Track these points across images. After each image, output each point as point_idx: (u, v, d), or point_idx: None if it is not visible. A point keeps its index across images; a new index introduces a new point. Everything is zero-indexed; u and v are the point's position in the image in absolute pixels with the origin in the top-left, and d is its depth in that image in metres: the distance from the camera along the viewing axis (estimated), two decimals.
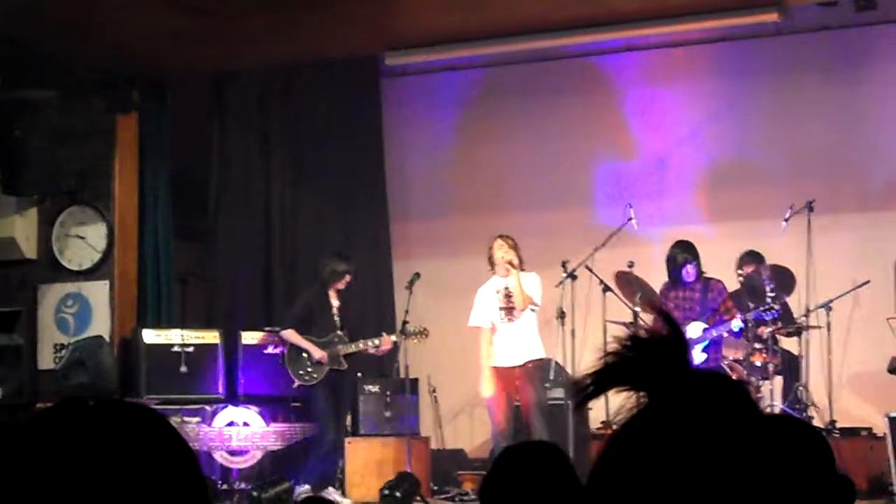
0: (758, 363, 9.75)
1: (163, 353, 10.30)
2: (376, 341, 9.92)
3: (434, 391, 11.28)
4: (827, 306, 10.04)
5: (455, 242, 11.32)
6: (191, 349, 10.36)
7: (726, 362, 9.69)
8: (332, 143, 11.93)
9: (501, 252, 9.29)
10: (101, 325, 10.52)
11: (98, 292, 10.61)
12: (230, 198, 11.72)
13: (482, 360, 9.33)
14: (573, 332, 10.06)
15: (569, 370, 10.05)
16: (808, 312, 10.05)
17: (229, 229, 11.70)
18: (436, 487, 10.35)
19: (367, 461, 10.15)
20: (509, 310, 9.30)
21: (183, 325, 10.77)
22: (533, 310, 9.34)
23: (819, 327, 10.12)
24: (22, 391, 9.81)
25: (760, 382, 9.66)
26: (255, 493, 9.16)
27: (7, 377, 9.84)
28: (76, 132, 10.55)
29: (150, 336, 10.36)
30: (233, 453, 10.09)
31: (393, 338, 9.98)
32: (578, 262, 10.03)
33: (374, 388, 10.54)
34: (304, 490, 9.41)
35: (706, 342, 9.39)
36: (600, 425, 10.00)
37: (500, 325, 9.33)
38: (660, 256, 9.83)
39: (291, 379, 9.90)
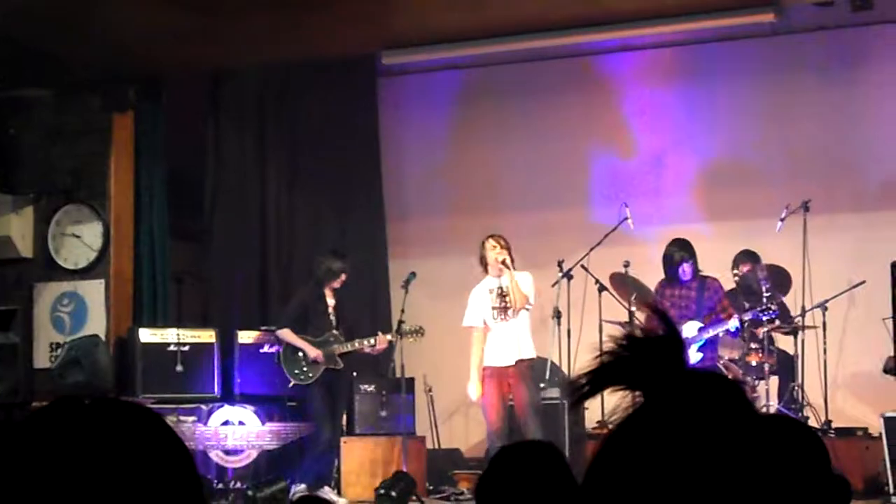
0: (753, 363, 9.76)
1: (158, 352, 10.29)
2: (372, 341, 9.92)
3: (430, 390, 11.27)
4: (823, 306, 10.05)
5: (451, 242, 11.32)
6: (186, 348, 10.36)
7: (722, 362, 9.70)
8: (328, 142, 11.92)
9: (494, 253, 9.26)
10: (96, 324, 10.51)
11: (94, 291, 10.60)
12: (226, 197, 11.71)
13: (472, 361, 9.31)
14: (569, 331, 10.07)
15: (564, 370, 10.06)
16: (803, 312, 10.06)
17: (225, 228, 11.69)
18: (431, 487, 10.35)
19: (362, 460, 10.15)
20: (503, 309, 9.28)
21: (179, 324, 10.76)
22: (527, 308, 9.33)
23: (815, 327, 10.12)
24: (18, 390, 9.80)
25: (756, 382, 9.67)
26: (250, 493, 9.16)
27: (3, 376, 9.83)
28: (72, 131, 10.54)
29: (146, 335, 10.35)
30: (228, 452, 10.08)
31: (389, 337, 9.97)
32: (574, 261, 10.04)
33: (370, 388, 10.53)
34: (299, 489, 9.40)
35: (702, 341, 9.38)
36: (596, 425, 10.01)
37: (493, 324, 9.31)
38: (655, 256, 9.83)
39: (287, 378, 9.90)
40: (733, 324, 9.34)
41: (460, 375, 9.33)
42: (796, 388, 9.90)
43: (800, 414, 9.64)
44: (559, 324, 9.99)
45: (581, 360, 9.66)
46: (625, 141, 11.73)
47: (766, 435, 1.34)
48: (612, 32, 10.58)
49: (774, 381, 10.03)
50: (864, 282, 10.24)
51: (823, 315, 10.05)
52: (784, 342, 10.32)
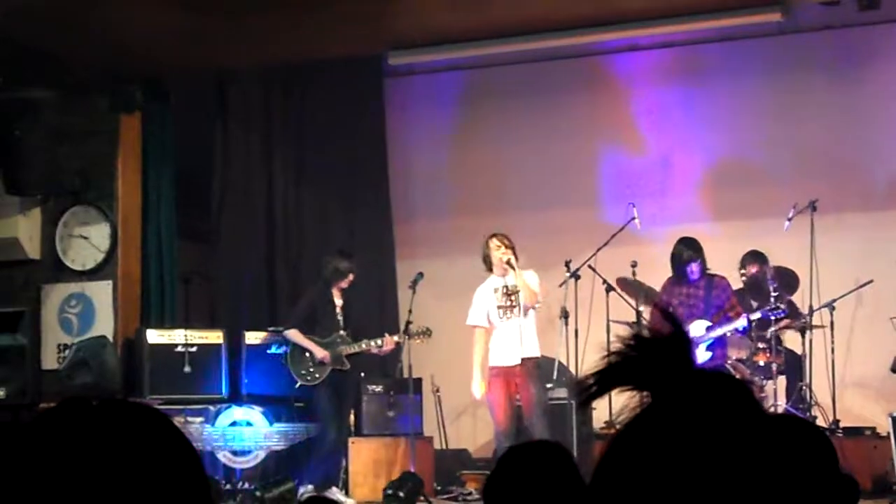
0: (761, 363, 9.75)
1: (166, 353, 10.30)
2: (379, 342, 9.92)
3: (437, 391, 11.27)
4: (830, 306, 10.03)
5: (458, 242, 11.31)
6: (194, 349, 10.36)
7: (729, 362, 9.69)
8: (335, 143, 11.93)
9: (499, 253, 9.24)
10: (104, 325, 10.53)
11: (101, 292, 10.61)
12: (233, 197, 11.73)
13: (475, 360, 9.29)
14: (576, 331, 10.06)
15: (572, 370, 10.04)
16: (811, 312, 10.05)
17: (233, 229, 11.70)
18: (439, 487, 10.35)
19: (370, 461, 10.16)
20: (509, 308, 9.27)
21: (186, 325, 10.76)
22: (535, 308, 9.32)
23: (822, 327, 10.11)
24: (25, 391, 9.81)
25: (764, 382, 9.66)
26: (258, 493, 9.16)
27: (10, 377, 9.84)
28: (79, 132, 10.55)
29: (154, 336, 10.36)
30: (236, 453, 10.09)
31: (396, 338, 9.98)
32: (581, 261, 10.03)
33: (378, 388, 10.54)
34: (307, 490, 9.41)
35: (711, 340, 9.37)
36: (603, 425, 10.00)
37: (499, 323, 9.29)
38: (663, 256, 9.82)
39: (294, 379, 9.90)
40: (742, 322, 9.33)
41: (468, 376, 9.32)
42: (804, 387, 9.89)
43: (808, 414, 9.63)
44: (566, 324, 9.98)
45: (588, 361, 9.66)
46: (631, 141, 11.72)
47: (774, 435, 1.34)
48: (618, 32, 10.58)
49: (782, 380, 10.02)
50: (871, 281, 10.23)
51: (831, 314, 10.03)
52: (792, 342, 10.31)
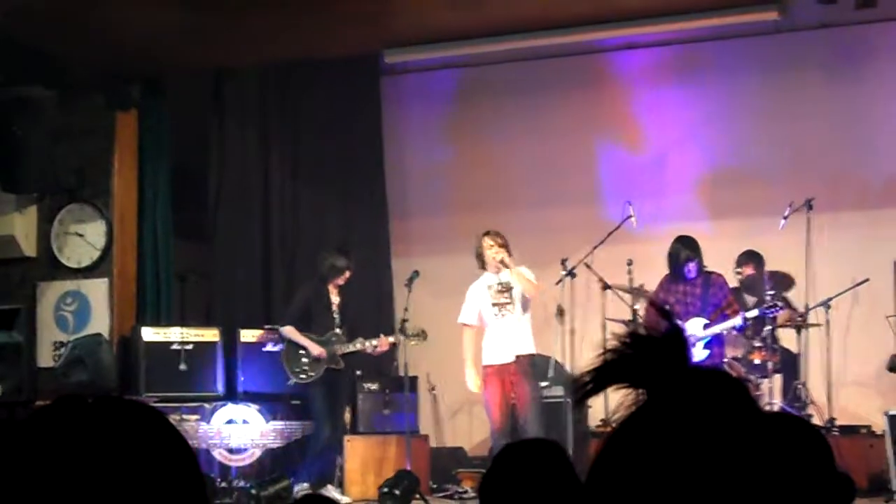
0: (757, 361, 9.75)
1: (162, 350, 10.29)
2: (374, 342, 9.92)
3: (433, 389, 11.28)
4: (826, 304, 10.03)
5: (454, 240, 11.30)
6: (190, 347, 10.36)
7: (725, 360, 9.69)
8: (331, 141, 11.93)
9: (492, 252, 9.22)
10: (100, 322, 10.52)
11: (97, 290, 10.61)
12: (230, 195, 11.72)
13: (466, 356, 9.29)
14: (572, 329, 10.07)
15: (568, 368, 10.05)
16: (807, 310, 10.06)
17: (229, 226, 11.70)
18: (435, 485, 10.35)
19: (366, 459, 10.16)
20: (503, 305, 9.26)
21: (182, 322, 10.76)
22: (535, 297, 9.31)
23: (818, 325, 10.12)
24: (21, 389, 9.81)
25: (760, 380, 9.66)
26: (254, 491, 9.16)
27: (6, 375, 9.84)
28: (75, 129, 10.54)
29: (150, 334, 10.36)
30: (232, 451, 10.09)
31: (391, 339, 9.97)
32: (578, 260, 10.03)
33: (373, 386, 10.55)
34: (303, 488, 9.41)
35: (708, 339, 9.37)
36: (599, 423, 10.01)
37: (492, 321, 9.28)
38: (659, 254, 9.82)
39: (288, 376, 9.90)
40: (739, 320, 9.33)
41: (463, 374, 9.33)
42: (800, 386, 9.90)
43: (803, 412, 9.63)
44: (562, 322, 9.99)
45: (584, 359, 9.68)
46: (628, 139, 11.72)
47: (770, 433, 1.34)
48: (614, 31, 10.58)
49: (778, 379, 10.03)
50: (867, 279, 10.24)
51: (827, 313, 10.04)
52: (787, 340, 10.31)
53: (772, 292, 9.52)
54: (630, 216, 10.30)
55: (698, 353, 9.23)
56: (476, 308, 9.36)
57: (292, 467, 9.86)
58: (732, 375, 1.42)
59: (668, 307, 8.89)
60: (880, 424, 9.21)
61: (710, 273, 9.55)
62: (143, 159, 11.00)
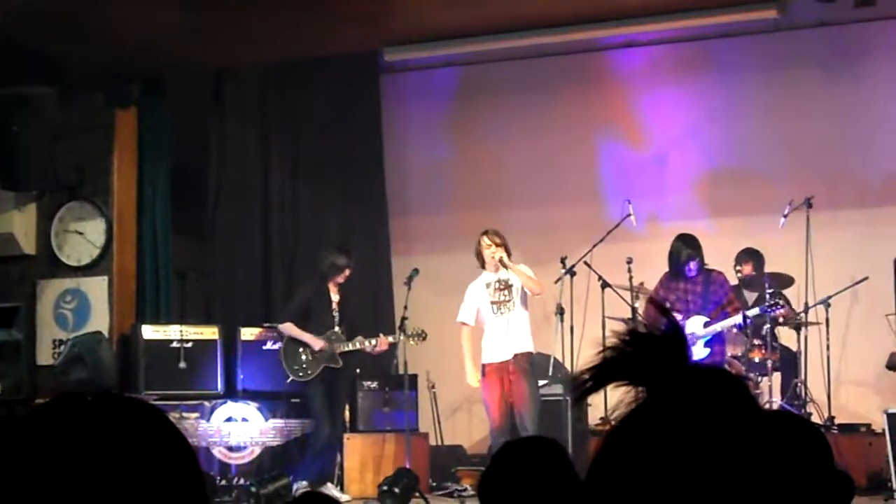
0: (756, 359, 9.75)
1: (161, 348, 10.30)
2: (373, 341, 9.91)
3: (433, 387, 11.27)
4: (826, 303, 10.02)
5: (454, 238, 11.31)
6: (189, 345, 10.36)
7: (725, 358, 9.68)
8: (331, 139, 11.93)
9: (489, 252, 9.23)
10: (99, 320, 10.52)
11: (97, 288, 10.61)
12: (229, 193, 11.72)
13: (465, 354, 9.30)
14: (572, 328, 10.05)
15: (567, 366, 10.04)
16: (806, 309, 10.05)
17: (228, 224, 11.70)
18: (434, 483, 10.35)
19: (365, 457, 10.16)
20: (502, 303, 9.26)
21: (182, 320, 10.76)
22: (538, 294, 9.32)
23: (818, 323, 10.11)
24: (21, 386, 9.81)
25: (759, 379, 9.66)
26: (253, 489, 9.16)
27: (6, 373, 9.85)
28: (75, 128, 10.54)
29: (149, 332, 10.36)
30: (231, 449, 10.09)
31: (390, 339, 9.97)
32: (577, 258, 10.03)
33: (373, 384, 10.55)
34: (302, 486, 9.41)
35: (708, 337, 9.36)
36: (599, 421, 10.01)
37: (491, 318, 9.28)
38: (658, 252, 9.81)
39: (286, 374, 9.90)
40: (740, 318, 9.31)
41: (463, 372, 9.33)
42: (799, 384, 9.89)
43: (803, 410, 9.63)
44: (562, 320, 9.97)
45: (584, 357, 9.64)
46: (627, 137, 11.72)
47: (769, 431, 1.34)
48: (613, 29, 10.58)
49: (777, 377, 10.03)
50: (867, 278, 10.23)
51: (826, 311, 10.03)
52: (787, 339, 10.31)
53: (771, 290, 9.52)
54: (630, 214, 10.29)
55: (699, 352, 9.22)
56: (474, 307, 9.36)
57: (292, 465, 9.86)
58: (732, 373, 1.41)
59: (668, 305, 8.90)
60: (880, 423, 9.20)
61: (711, 271, 9.53)
62: (142, 158, 10.99)
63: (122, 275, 10.70)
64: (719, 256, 10.01)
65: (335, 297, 9.99)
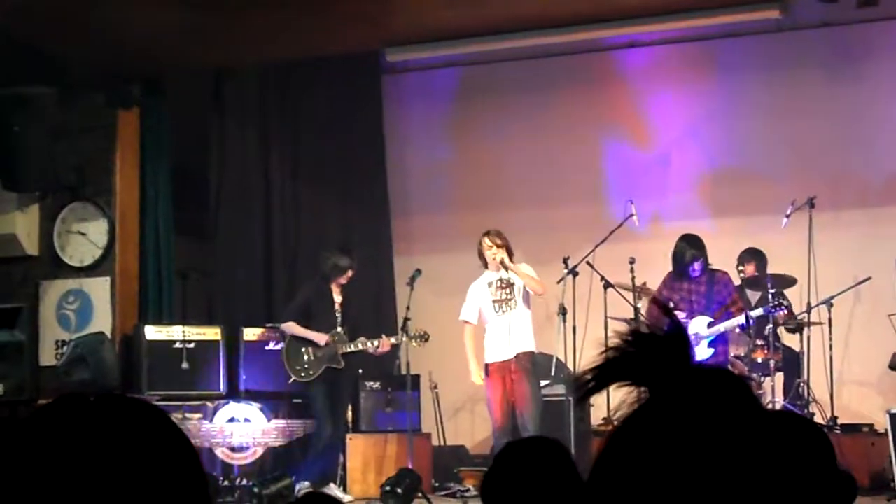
0: (759, 359, 9.75)
1: (164, 349, 10.30)
2: (375, 342, 9.90)
3: (435, 387, 11.27)
4: (828, 303, 10.03)
5: (456, 238, 11.31)
6: (192, 345, 10.36)
7: (728, 359, 9.68)
8: (332, 139, 11.93)
9: (490, 253, 9.23)
10: (102, 321, 10.52)
11: (99, 288, 10.61)
12: (231, 193, 11.72)
13: (468, 353, 9.30)
14: (574, 328, 10.06)
15: (570, 366, 10.04)
16: (809, 309, 10.05)
17: (230, 225, 11.69)
18: (437, 484, 10.36)
19: (368, 457, 10.16)
20: (504, 301, 9.26)
21: (184, 321, 10.76)
22: (542, 294, 9.31)
23: (820, 324, 10.11)
24: (23, 387, 9.81)
25: (762, 379, 9.66)
26: (256, 490, 9.16)
27: (8, 373, 9.84)
28: (75, 128, 10.53)
29: (152, 332, 10.36)
30: (234, 450, 10.09)
31: (393, 340, 9.96)
32: (580, 258, 10.03)
33: (375, 385, 10.55)
34: (304, 486, 9.41)
35: (712, 337, 9.34)
36: (601, 422, 10.01)
37: (493, 318, 9.28)
38: (661, 252, 9.82)
39: (288, 374, 9.90)
40: (744, 319, 9.30)
41: (466, 372, 9.33)
42: (802, 384, 9.89)
43: (805, 410, 9.63)
44: (564, 320, 9.98)
45: (586, 357, 9.64)
46: (629, 137, 11.72)
47: (772, 431, 1.34)
48: (615, 29, 10.58)
49: (780, 377, 10.02)
50: (869, 278, 10.23)
51: (829, 311, 10.03)
52: (790, 339, 10.31)
53: (773, 290, 9.52)
54: (632, 214, 10.29)
55: (703, 352, 9.21)
56: (476, 306, 9.36)
57: (294, 466, 9.86)
58: (735, 374, 1.41)
59: (671, 305, 8.89)
60: (882, 423, 9.21)
61: (715, 271, 9.52)
62: (144, 157, 10.99)
63: (124, 275, 10.70)
64: (721, 256, 10.01)
65: (338, 298, 9.98)
